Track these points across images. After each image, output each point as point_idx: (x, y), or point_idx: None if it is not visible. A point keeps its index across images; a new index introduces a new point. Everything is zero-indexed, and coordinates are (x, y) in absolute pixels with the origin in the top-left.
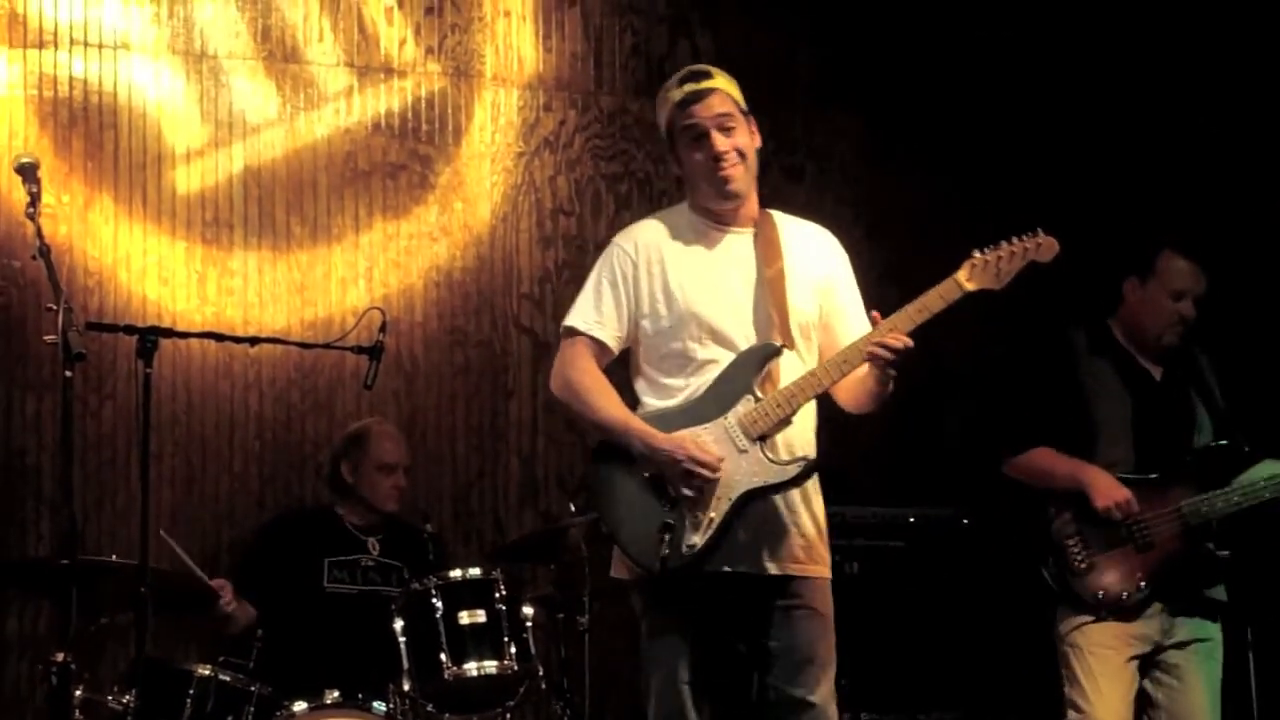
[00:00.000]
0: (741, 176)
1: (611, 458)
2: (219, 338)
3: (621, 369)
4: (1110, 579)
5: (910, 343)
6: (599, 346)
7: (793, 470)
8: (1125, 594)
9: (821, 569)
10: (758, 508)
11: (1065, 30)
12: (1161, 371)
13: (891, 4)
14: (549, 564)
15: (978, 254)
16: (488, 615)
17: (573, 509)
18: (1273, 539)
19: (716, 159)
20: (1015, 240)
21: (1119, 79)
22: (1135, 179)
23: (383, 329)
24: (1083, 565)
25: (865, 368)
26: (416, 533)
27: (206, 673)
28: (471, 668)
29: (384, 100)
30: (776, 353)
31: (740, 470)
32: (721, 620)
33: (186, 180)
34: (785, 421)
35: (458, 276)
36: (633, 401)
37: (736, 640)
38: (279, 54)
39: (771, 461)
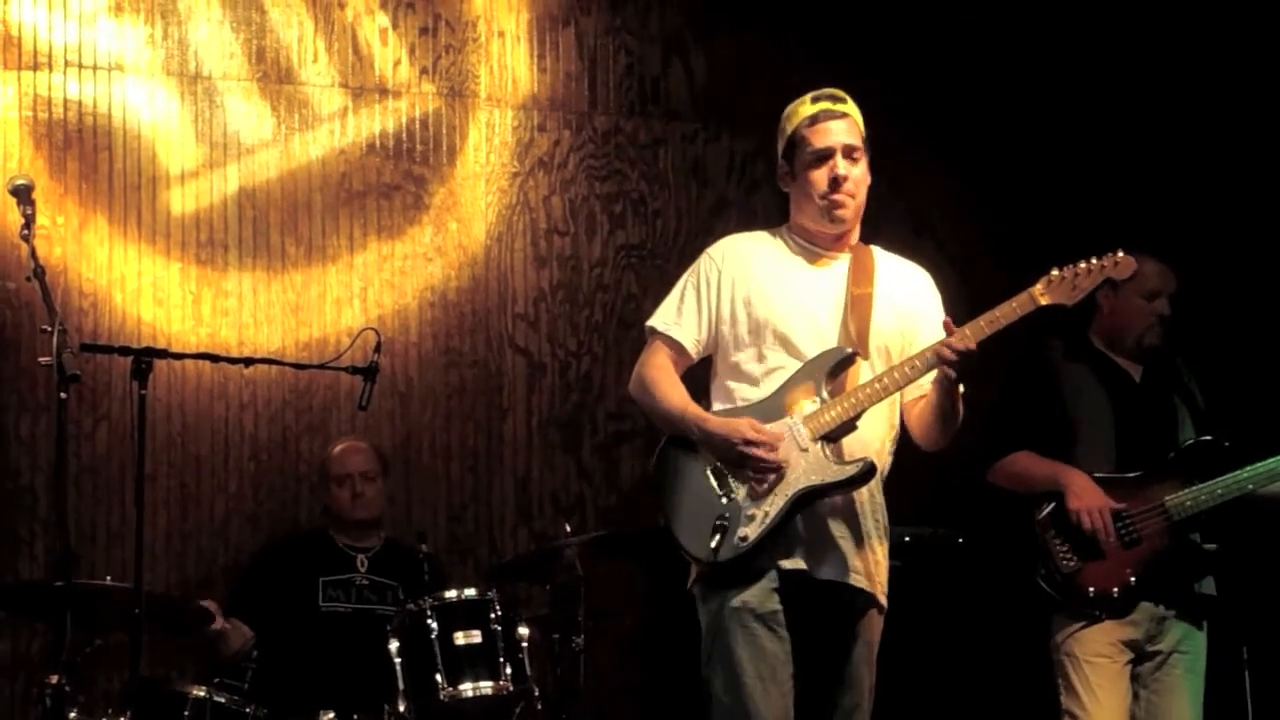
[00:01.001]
0: (852, 206)
1: (677, 449)
2: (214, 359)
3: (698, 381)
4: (1100, 576)
5: (974, 347)
6: (676, 348)
7: (851, 470)
8: (1116, 590)
9: (877, 588)
10: (821, 513)
11: (1038, 43)
12: (1141, 373)
13: (884, 23)
14: (544, 584)
15: (1055, 270)
16: (483, 636)
17: (568, 529)
18: (1258, 532)
19: (835, 183)
20: (1094, 259)
21: (1080, 95)
22: (1101, 187)
23: (377, 349)
24: (1071, 565)
25: (932, 388)
26: (411, 553)
27: (201, 694)
28: (467, 688)
29: (378, 121)
30: (849, 360)
31: (799, 468)
32: (782, 611)
33: (181, 201)
34: (849, 425)
35: (452, 297)
36: (707, 408)
37: (791, 633)
38: (273, 75)
39: (831, 461)
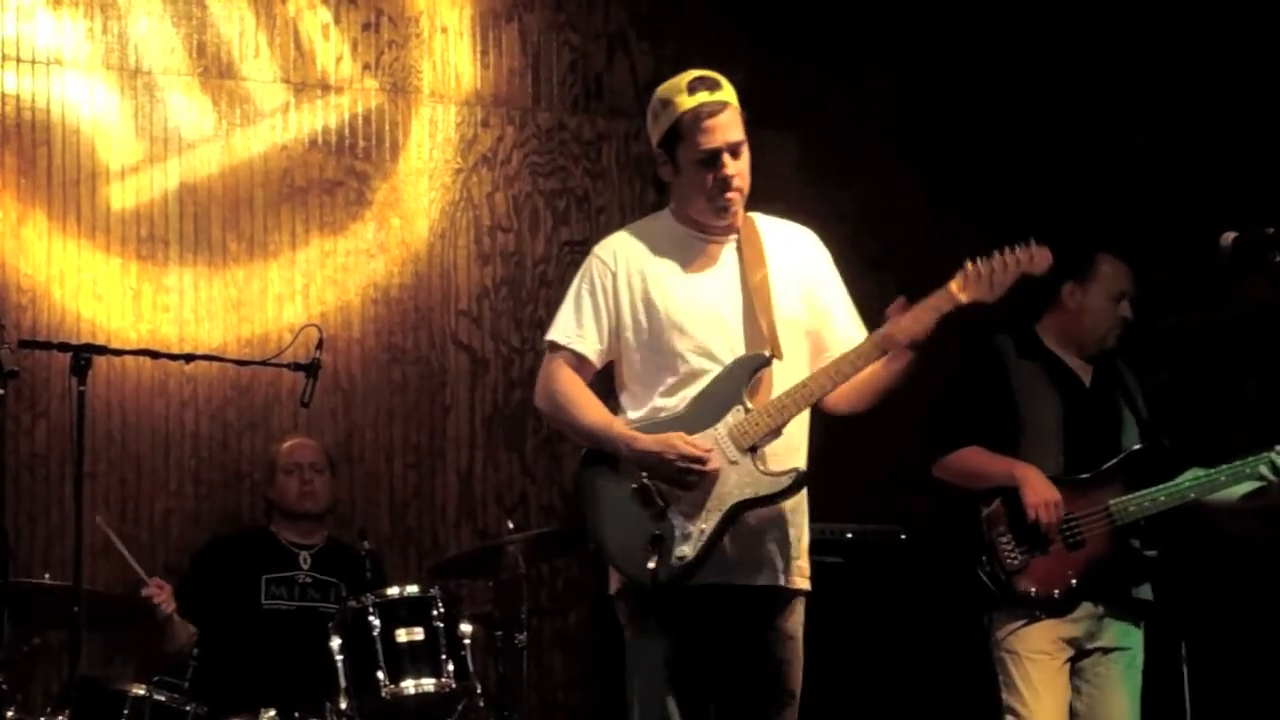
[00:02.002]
0: (739, 201)
1: (598, 467)
2: (154, 355)
3: (606, 383)
4: (1042, 576)
5: (931, 328)
6: (580, 360)
7: (785, 481)
8: (1057, 591)
9: (803, 582)
10: (746, 520)
11: (995, 41)
12: (1091, 376)
13: (828, 21)
14: (487, 581)
15: (970, 264)
16: (425, 633)
17: (510, 526)
18: (1197, 540)
19: (724, 184)
20: (1009, 251)
21: (1050, 96)
22: (1067, 184)
23: (319, 346)
24: (1015, 563)
25: (881, 362)
26: (354, 550)
27: (141, 692)
28: (409, 686)
29: (321, 116)
30: (765, 363)
31: (731, 482)
32: (703, 629)
33: (121, 197)
34: (776, 432)
35: (395, 293)
36: (617, 415)
37: (714, 649)
38: (214, 70)
39: (763, 473)
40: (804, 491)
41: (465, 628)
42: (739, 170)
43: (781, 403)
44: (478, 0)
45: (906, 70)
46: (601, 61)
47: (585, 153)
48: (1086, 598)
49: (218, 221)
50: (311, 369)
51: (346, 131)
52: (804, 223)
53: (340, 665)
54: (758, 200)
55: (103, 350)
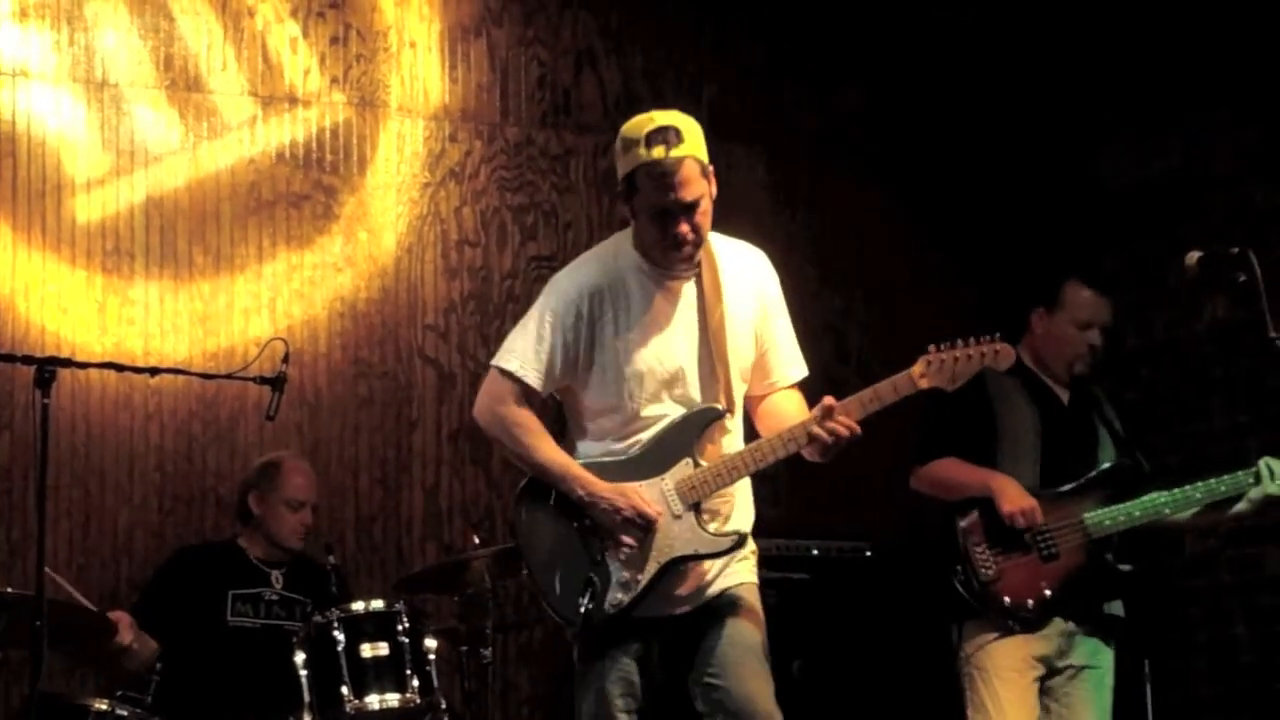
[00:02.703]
0: (694, 253)
1: (539, 500)
2: (119, 368)
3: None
4: (1016, 587)
5: (859, 431)
6: (529, 392)
7: (725, 544)
8: (1031, 601)
9: (743, 575)
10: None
11: (965, 59)
12: (1069, 395)
13: (796, 38)
14: (453, 596)
15: (934, 351)
16: (390, 648)
17: (476, 541)
18: (1170, 557)
19: (676, 241)
20: (973, 343)
21: (1021, 114)
22: (1043, 206)
23: (285, 360)
24: (990, 572)
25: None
26: (319, 565)
27: (103, 707)
28: (373, 701)
29: (288, 130)
30: (719, 416)
31: (672, 535)
32: (657, 652)
33: (87, 209)
34: (721, 489)
35: (362, 307)
36: (566, 448)
37: (673, 666)
38: (181, 83)
39: (705, 531)
40: (749, 491)
41: (430, 643)
42: (693, 226)
43: (732, 463)
44: (446, 15)
45: (875, 87)
46: (569, 77)
47: (553, 168)
48: (1060, 610)
49: (184, 235)
50: (277, 383)
51: (314, 145)
52: (770, 238)
53: (304, 680)
54: (725, 218)
55: (67, 363)
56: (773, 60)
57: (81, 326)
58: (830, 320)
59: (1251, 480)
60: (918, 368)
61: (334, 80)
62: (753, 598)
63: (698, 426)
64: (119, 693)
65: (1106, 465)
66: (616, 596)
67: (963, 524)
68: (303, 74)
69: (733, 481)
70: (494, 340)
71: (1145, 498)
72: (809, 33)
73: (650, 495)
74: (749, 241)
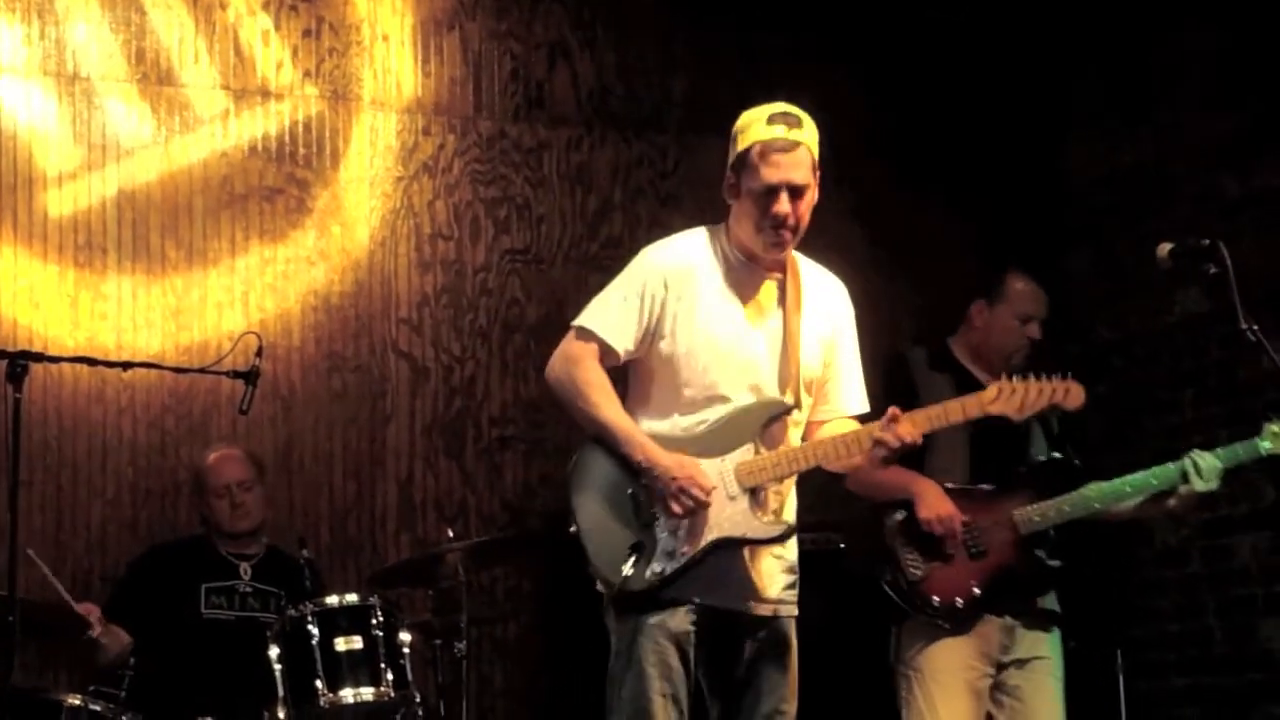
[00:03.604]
0: (791, 241)
1: (596, 461)
2: (91, 362)
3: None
4: (945, 586)
5: (920, 441)
6: (607, 353)
7: (775, 530)
8: (959, 600)
9: (790, 609)
10: (735, 547)
11: (936, 48)
12: None
13: (765, 29)
14: (427, 590)
15: (1007, 381)
16: (364, 642)
17: (450, 534)
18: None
19: (776, 221)
20: (1046, 379)
21: (987, 107)
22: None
23: (259, 353)
24: (918, 573)
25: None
26: (292, 559)
27: (76, 703)
28: (348, 695)
29: (261, 123)
30: (786, 411)
31: (724, 515)
32: (692, 640)
33: (59, 203)
34: (778, 481)
35: (335, 301)
36: (629, 409)
37: (700, 665)
38: (153, 76)
39: (757, 517)
40: (795, 501)
41: (404, 636)
42: (794, 211)
43: (793, 454)
44: (419, 8)
45: (845, 79)
46: (543, 70)
47: (526, 161)
48: (990, 608)
49: (156, 228)
50: (251, 377)
51: (287, 138)
52: None
53: (278, 674)
54: (705, 210)
55: (39, 357)
56: (745, 52)
57: (54, 321)
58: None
59: (1179, 477)
60: (990, 393)
61: (307, 74)
62: (791, 642)
63: (764, 417)
64: (92, 688)
65: (1035, 461)
66: (660, 566)
67: (889, 525)
68: (275, 67)
69: (791, 473)
70: (467, 334)
71: (1074, 492)
72: (781, 24)
73: (709, 472)
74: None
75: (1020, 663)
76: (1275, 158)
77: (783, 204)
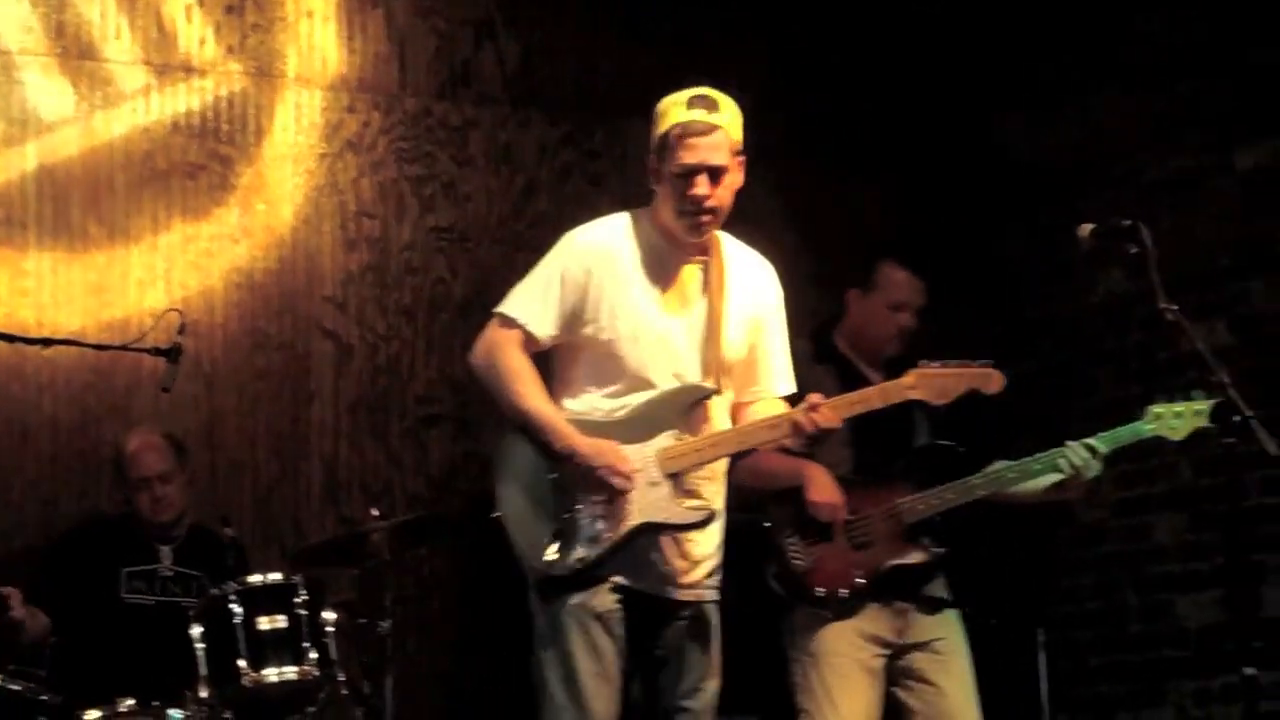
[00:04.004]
0: (712, 224)
1: (519, 449)
2: (9, 339)
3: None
4: (829, 576)
5: (839, 426)
6: (530, 340)
7: (696, 516)
8: (843, 590)
9: (713, 593)
10: (656, 533)
11: (866, 27)
12: (882, 378)
13: (691, 11)
14: (351, 568)
15: (928, 366)
16: (288, 621)
17: (375, 513)
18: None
19: (695, 203)
20: (966, 365)
21: (918, 85)
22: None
23: (181, 331)
24: (802, 564)
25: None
26: (215, 538)
27: None
28: (271, 674)
29: (183, 99)
30: (707, 396)
31: (646, 501)
32: (617, 620)
33: None
34: (700, 467)
35: (259, 278)
36: (555, 397)
37: (625, 643)
38: (74, 50)
39: (679, 503)
40: (724, 490)
41: (328, 615)
42: (713, 194)
43: (715, 440)
44: None
45: (778, 55)
46: (469, 48)
47: (452, 139)
48: (875, 598)
49: (77, 205)
50: (173, 354)
51: (210, 115)
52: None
53: (200, 654)
54: (628, 187)
55: None
56: (673, 32)
57: None
58: None
59: (1059, 464)
60: (909, 379)
61: (230, 49)
62: (714, 617)
63: (686, 402)
64: (11, 667)
65: (918, 447)
66: (583, 551)
67: (774, 516)
68: (198, 43)
69: (713, 458)
70: (392, 312)
71: (958, 480)
72: (710, 3)
73: (631, 458)
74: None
75: (921, 645)
76: (1198, 139)
77: (701, 186)
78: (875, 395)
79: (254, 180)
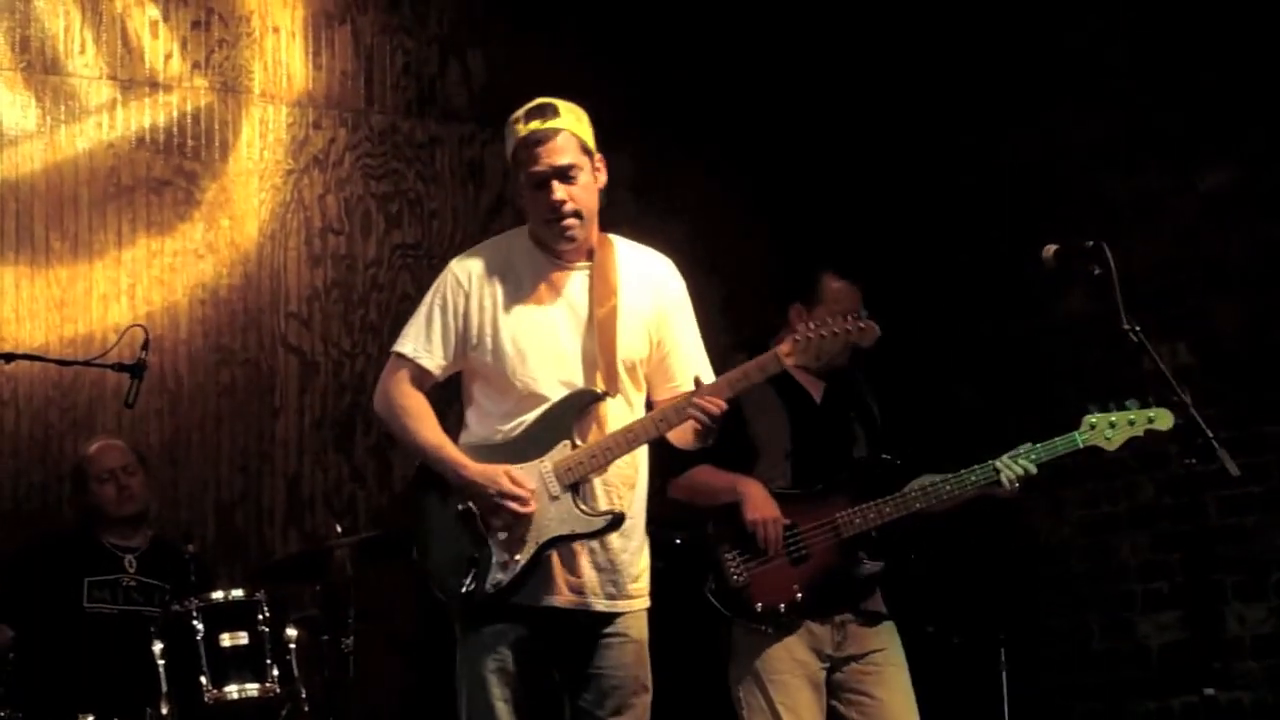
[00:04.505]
0: (577, 226)
1: (430, 482)
2: None
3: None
4: (767, 591)
5: (725, 407)
6: (423, 373)
7: (599, 523)
8: (782, 605)
9: (638, 603)
10: (573, 545)
11: (825, 47)
12: (822, 391)
13: (664, 30)
14: (314, 585)
15: (801, 329)
16: (250, 637)
17: (339, 530)
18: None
19: (554, 210)
20: (839, 320)
21: (875, 107)
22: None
23: (145, 347)
24: (740, 579)
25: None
26: (178, 552)
27: None
28: (232, 690)
29: (149, 115)
30: (597, 399)
31: (549, 516)
32: (536, 644)
33: None
34: (599, 471)
35: (224, 294)
36: (460, 427)
37: (550, 664)
38: (39, 65)
39: (581, 512)
40: (643, 514)
41: (291, 632)
42: (570, 195)
43: (606, 444)
44: (310, 1)
45: (738, 80)
46: (435, 66)
47: (418, 156)
48: (813, 612)
49: (41, 219)
50: (136, 370)
51: (175, 130)
52: (642, 241)
53: (162, 669)
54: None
55: None
56: (638, 54)
57: None
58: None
59: (992, 479)
60: (785, 346)
61: (196, 65)
62: (642, 632)
63: (576, 408)
64: None
65: (856, 461)
66: (496, 577)
67: (712, 531)
68: (164, 58)
69: (608, 462)
70: (357, 329)
71: (896, 493)
72: (668, 22)
73: (526, 477)
74: (615, 229)
75: (857, 658)
76: (1159, 159)
77: (556, 191)
78: (755, 369)
79: (219, 196)
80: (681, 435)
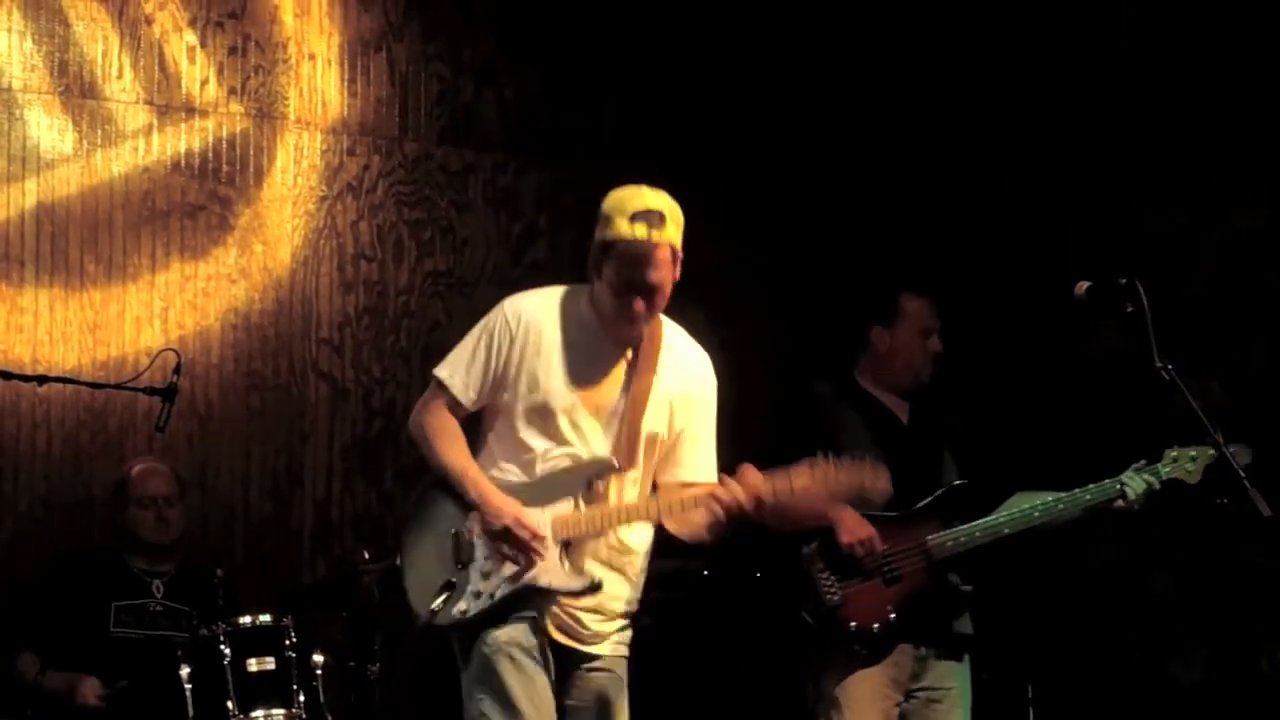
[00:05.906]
0: (643, 324)
1: (433, 498)
2: (6, 376)
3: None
4: (861, 611)
5: (748, 509)
6: (457, 403)
7: (577, 585)
8: (876, 625)
9: (622, 649)
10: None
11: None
12: (908, 415)
13: (694, 62)
14: (341, 611)
15: (821, 463)
16: (277, 663)
17: (366, 556)
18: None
19: (632, 316)
20: (855, 464)
21: (898, 123)
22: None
23: (177, 371)
24: (834, 598)
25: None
26: (206, 576)
27: None
28: (259, 716)
29: (184, 139)
30: (612, 470)
31: (534, 563)
32: (542, 649)
33: None
34: (595, 536)
35: (256, 319)
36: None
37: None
38: (76, 89)
39: (564, 568)
40: (645, 561)
41: (318, 658)
42: (650, 305)
43: (605, 512)
44: (346, 28)
45: (774, 95)
46: (470, 93)
47: (451, 184)
48: (905, 634)
49: (75, 242)
50: (168, 394)
51: (210, 155)
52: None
53: (188, 694)
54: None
55: None
56: (674, 76)
57: None
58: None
59: (1116, 490)
60: (800, 478)
61: (232, 91)
62: (621, 668)
63: (588, 474)
64: None
65: (947, 486)
66: (465, 604)
67: (806, 552)
68: (200, 84)
69: (603, 530)
70: (388, 355)
71: (985, 518)
72: (707, 49)
73: (539, 524)
74: None
75: (929, 691)
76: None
77: (638, 303)
78: (802, 502)
79: (253, 221)
80: (684, 526)
